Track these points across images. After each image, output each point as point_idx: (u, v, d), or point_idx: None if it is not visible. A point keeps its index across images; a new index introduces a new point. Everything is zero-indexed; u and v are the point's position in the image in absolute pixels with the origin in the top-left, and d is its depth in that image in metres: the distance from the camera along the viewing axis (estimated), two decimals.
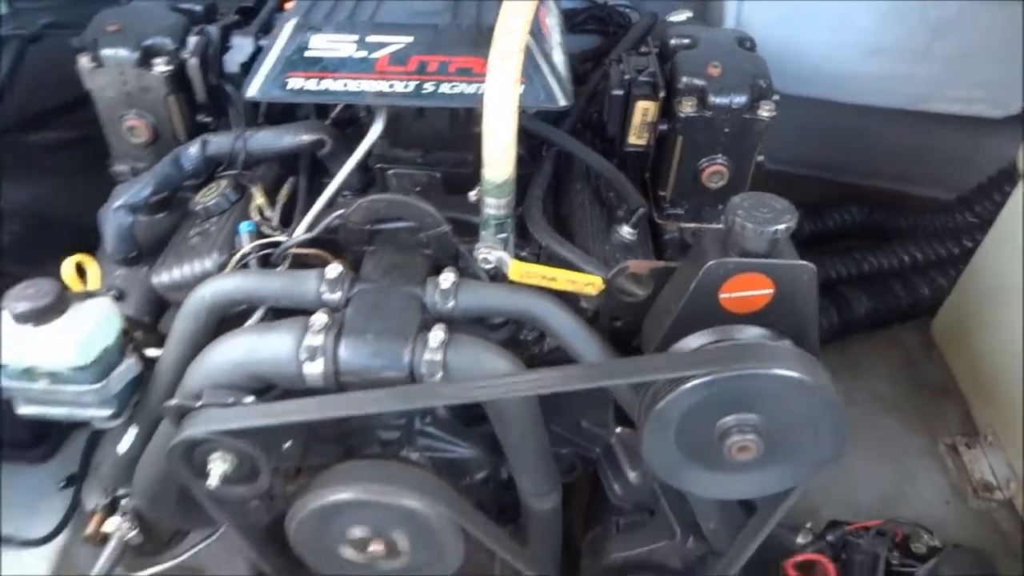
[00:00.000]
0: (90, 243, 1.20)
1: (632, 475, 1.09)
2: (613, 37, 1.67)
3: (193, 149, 1.14)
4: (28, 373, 0.94)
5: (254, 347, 0.87)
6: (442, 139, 1.13)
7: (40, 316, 0.90)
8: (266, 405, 0.86)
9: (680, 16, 1.37)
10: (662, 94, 1.12)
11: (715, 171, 1.13)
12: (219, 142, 1.15)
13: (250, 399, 0.88)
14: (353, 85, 0.93)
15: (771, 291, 0.79)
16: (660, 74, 1.14)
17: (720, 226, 1.13)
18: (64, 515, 1.38)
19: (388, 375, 0.86)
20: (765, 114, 1.08)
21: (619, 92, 1.15)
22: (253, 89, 0.95)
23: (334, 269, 0.92)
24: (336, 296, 0.91)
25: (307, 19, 0.92)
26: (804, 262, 0.78)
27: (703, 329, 0.82)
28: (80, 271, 1.05)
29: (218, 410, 0.85)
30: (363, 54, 0.92)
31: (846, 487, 1.47)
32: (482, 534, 0.95)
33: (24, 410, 0.98)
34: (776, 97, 1.09)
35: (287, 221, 1.10)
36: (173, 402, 0.88)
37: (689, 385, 0.76)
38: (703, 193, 1.16)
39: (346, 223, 0.97)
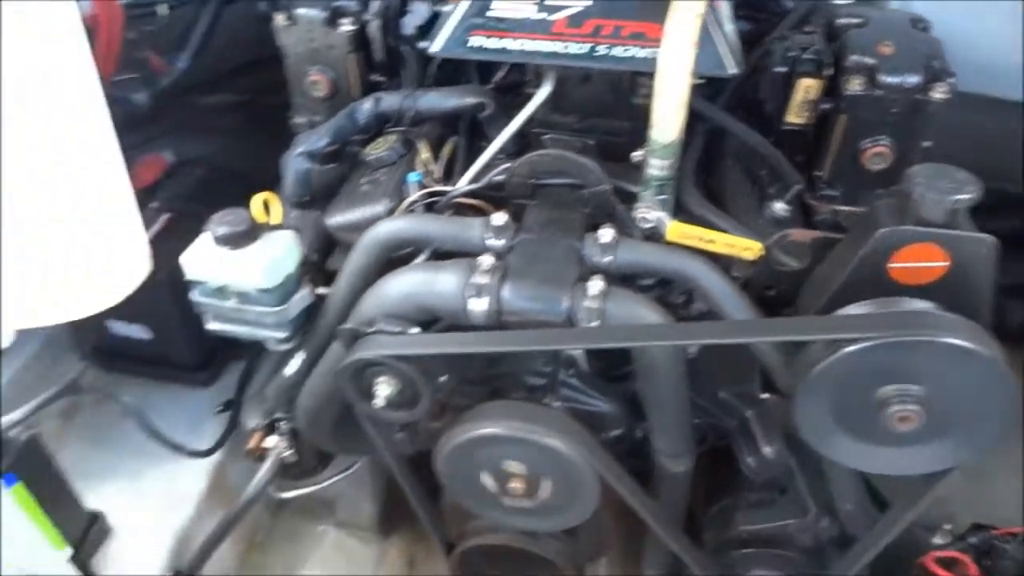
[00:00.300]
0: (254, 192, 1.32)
1: (767, 450, 1.09)
2: (765, 23, 1.65)
3: (367, 105, 1.23)
4: (221, 292, 1.05)
5: (426, 281, 0.93)
6: (602, 106, 1.16)
7: (237, 240, 1.01)
8: (434, 335, 0.92)
9: None
10: (828, 72, 1.11)
11: (878, 152, 1.11)
12: (390, 100, 1.24)
13: (416, 330, 0.95)
14: (530, 45, 0.98)
15: (945, 264, 0.78)
16: (826, 52, 1.13)
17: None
18: (222, 435, 1.52)
19: (546, 318, 0.91)
20: (939, 96, 1.05)
21: (782, 69, 1.15)
22: (437, 45, 1.01)
23: (500, 217, 0.97)
24: (500, 243, 0.97)
25: None
26: (985, 235, 0.76)
27: (867, 300, 0.82)
28: (265, 207, 1.15)
29: (389, 336, 0.93)
30: (542, 16, 0.97)
31: (985, 497, 1.39)
32: (618, 483, 0.98)
33: (212, 325, 1.10)
34: (952, 80, 1.06)
35: (448, 176, 1.18)
36: (348, 326, 0.96)
37: (852, 348, 0.76)
38: (862, 175, 1.13)
39: (512, 176, 1.03)
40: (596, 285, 0.90)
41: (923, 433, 0.79)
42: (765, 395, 0.99)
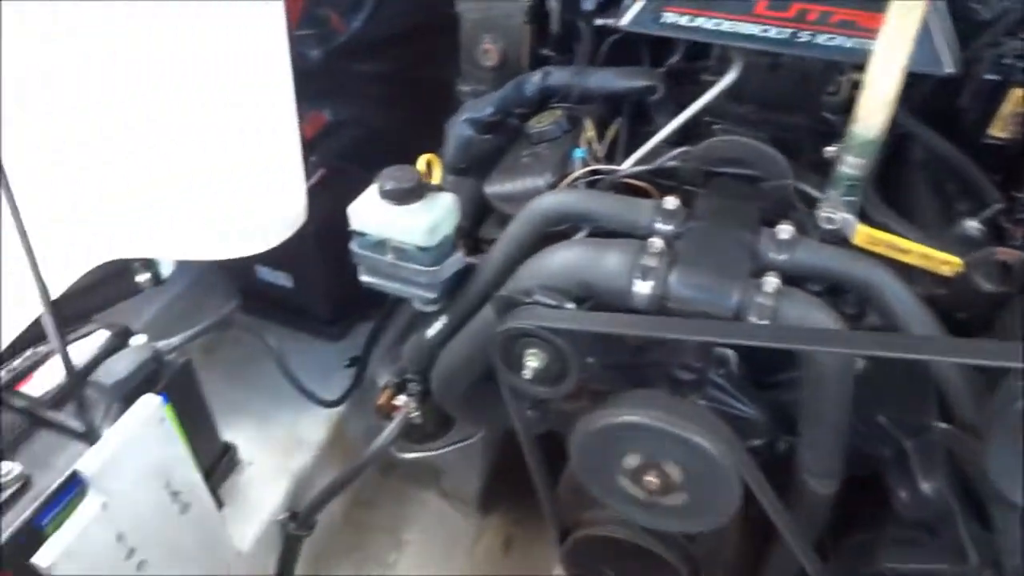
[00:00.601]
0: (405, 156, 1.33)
1: (926, 486, 1.00)
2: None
3: (535, 78, 1.22)
4: (380, 246, 1.07)
5: (591, 257, 0.91)
6: (783, 99, 1.11)
7: (402, 196, 1.02)
8: (596, 313, 0.90)
9: None
10: None
11: None
12: (559, 75, 1.22)
13: (571, 305, 0.93)
14: (727, 25, 0.94)
15: None
16: None
17: None
18: (347, 388, 1.56)
19: (713, 310, 0.86)
20: None
21: (993, 77, 1.05)
22: (627, 19, 0.99)
23: (672, 201, 0.94)
24: (669, 227, 0.93)
25: None
26: None
27: None
28: (428, 168, 1.16)
29: (547, 308, 0.91)
30: None
31: None
32: (760, 492, 0.93)
33: (365, 278, 1.12)
34: None
35: (610, 157, 1.15)
36: (505, 292, 0.95)
37: None
38: None
39: (688, 160, 0.99)
40: (771, 282, 0.85)
41: None
42: (943, 425, 0.90)
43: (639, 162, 1.07)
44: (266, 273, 1.63)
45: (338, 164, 1.60)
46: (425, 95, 1.78)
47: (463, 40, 1.29)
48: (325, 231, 1.52)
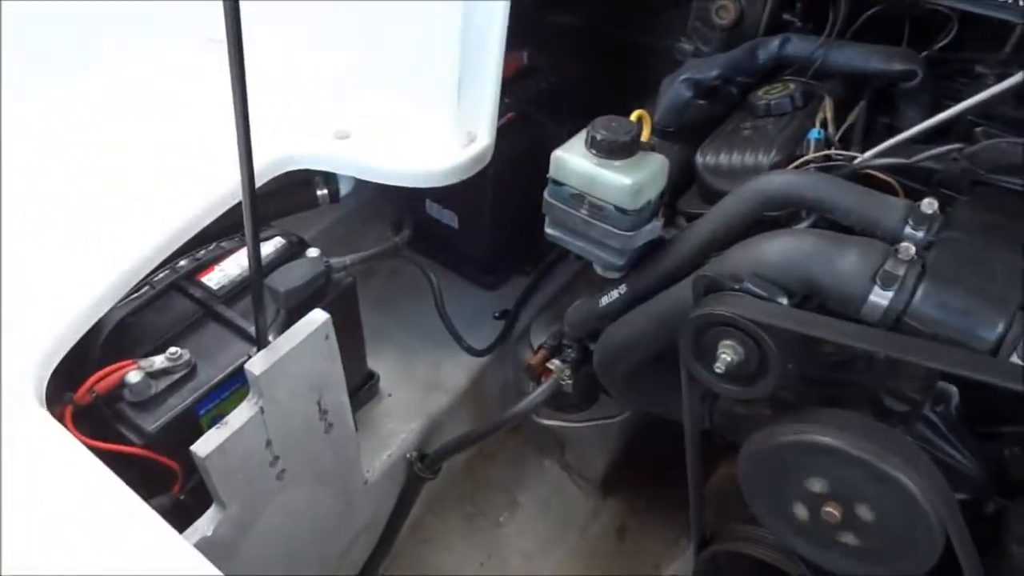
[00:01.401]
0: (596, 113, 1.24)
1: None
2: None
3: (773, 43, 1.10)
4: (576, 199, 0.99)
5: (826, 251, 0.79)
6: None
7: (614, 151, 0.94)
8: (811, 315, 0.79)
9: None
10: None
11: None
12: (801, 45, 1.09)
13: (784, 301, 0.82)
14: None
15: None
16: None
17: None
18: (495, 339, 1.52)
19: (965, 340, 0.73)
20: None
21: None
22: None
23: (931, 204, 0.80)
24: (920, 233, 0.80)
25: None
26: None
27: None
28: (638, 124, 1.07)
29: (756, 299, 0.81)
30: None
31: None
32: (962, 548, 0.79)
33: (551, 230, 1.05)
34: None
35: (845, 145, 1.01)
36: (710, 272, 0.85)
37: None
38: None
39: (956, 160, 0.84)
40: None
41: None
42: None
43: (885, 154, 0.93)
44: (435, 210, 1.60)
45: (528, 110, 1.54)
46: (631, 56, 1.69)
47: None
48: (500, 176, 1.47)
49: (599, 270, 1.06)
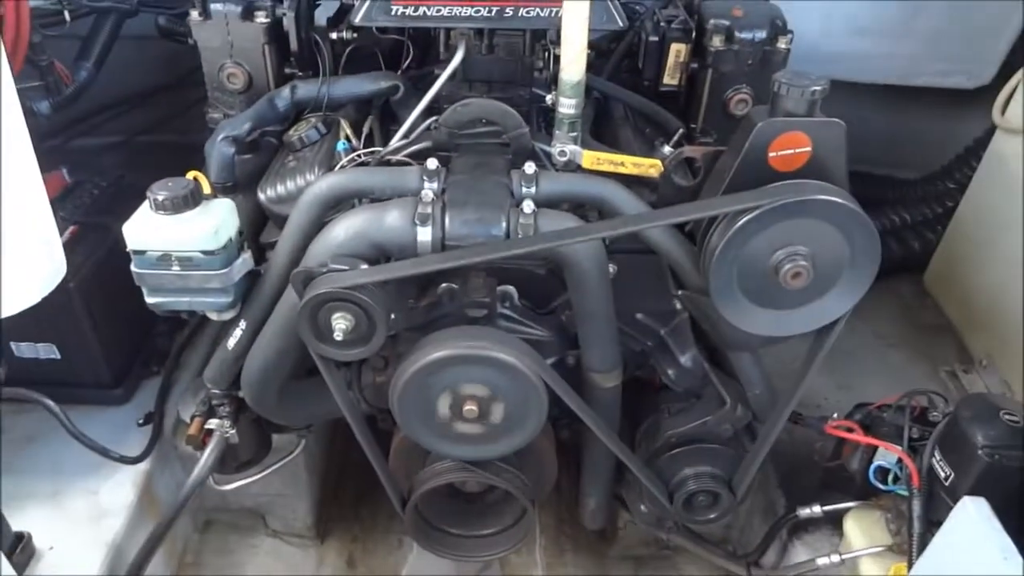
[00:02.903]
0: None
1: (684, 359, 1.23)
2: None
3: (285, 92, 1.31)
4: (163, 260, 1.07)
5: (375, 218, 1.01)
6: (504, 75, 1.30)
7: (179, 205, 1.05)
8: (380, 265, 1.00)
9: None
10: (693, 35, 1.31)
11: (741, 99, 1.32)
12: (307, 87, 1.32)
13: (363, 266, 1.02)
14: (446, 11, 1.11)
15: (808, 148, 0.96)
16: (689, 21, 1.34)
17: None
18: (149, 442, 1.48)
19: (488, 239, 1.01)
20: (783, 46, 1.28)
21: (655, 38, 1.34)
22: (359, 16, 1.12)
23: (433, 162, 1.07)
24: (435, 185, 1.06)
25: None
26: (835, 120, 0.95)
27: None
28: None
29: (342, 272, 0.99)
30: None
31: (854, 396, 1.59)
32: (564, 394, 1.08)
33: (152, 299, 1.11)
34: (791, 34, 1.29)
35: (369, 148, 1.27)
36: (300, 269, 1.01)
37: (744, 220, 0.91)
38: (730, 120, 1.34)
39: (439, 127, 1.13)
40: (528, 205, 1.01)
41: (814, 288, 0.95)
42: (679, 292, 1.12)
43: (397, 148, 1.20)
44: (26, 349, 1.49)
45: (87, 219, 1.54)
46: (174, 155, 1.78)
47: (206, 67, 1.34)
48: (85, 288, 1.45)
49: (215, 316, 1.15)
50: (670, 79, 1.37)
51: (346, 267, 1.00)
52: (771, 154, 0.96)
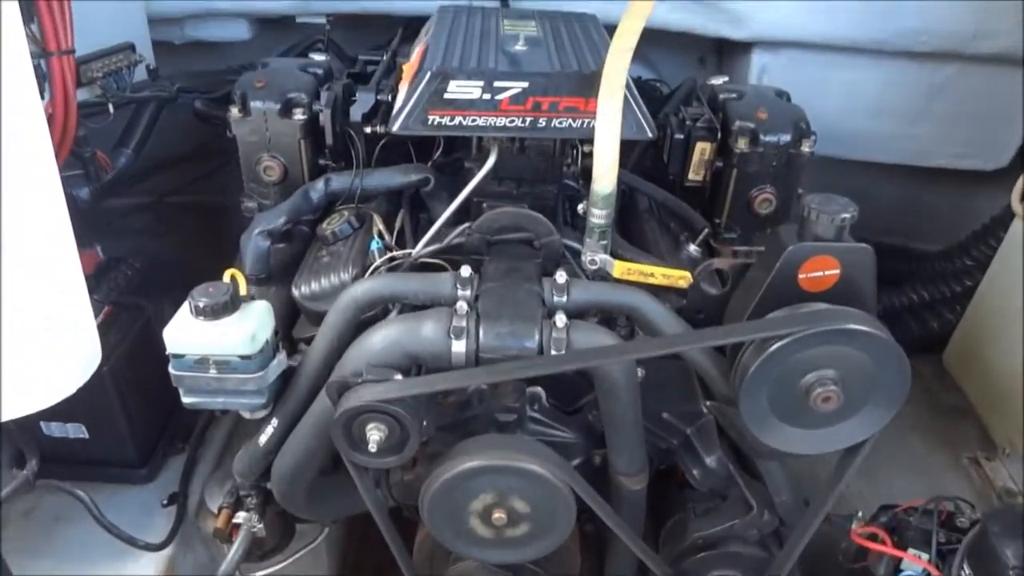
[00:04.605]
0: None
1: (710, 460, 1.24)
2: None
3: (319, 184, 1.35)
4: (200, 363, 1.10)
5: (410, 330, 1.03)
6: (534, 174, 1.33)
7: (218, 311, 1.07)
8: (418, 377, 1.01)
9: (719, 80, 1.61)
10: (718, 135, 1.34)
11: (765, 198, 1.34)
12: (340, 180, 1.36)
13: (398, 376, 1.03)
14: (481, 121, 1.14)
15: (837, 271, 0.98)
16: (714, 120, 1.37)
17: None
18: (172, 526, 1.49)
19: (520, 352, 1.02)
20: (807, 149, 1.31)
21: (681, 136, 1.37)
22: (397, 124, 1.15)
23: (466, 270, 1.10)
24: (468, 292, 1.08)
25: (443, 67, 1.13)
26: (864, 245, 0.97)
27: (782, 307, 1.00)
28: (233, 282, 1.21)
29: (377, 384, 1.01)
30: (488, 96, 1.13)
31: (883, 499, 1.59)
32: (592, 500, 1.08)
33: (188, 399, 1.13)
34: (814, 136, 1.32)
35: (401, 245, 1.29)
36: (335, 378, 1.03)
37: (777, 346, 0.92)
38: (754, 218, 1.36)
39: (472, 234, 1.16)
40: (560, 319, 1.03)
41: (843, 410, 0.96)
42: (707, 402, 1.13)
43: (428, 243, 1.23)
44: (55, 428, 1.51)
45: (122, 299, 1.57)
46: (204, 217, 1.82)
47: (243, 160, 1.37)
48: (117, 370, 1.48)
49: (248, 415, 1.17)
50: (695, 175, 1.40)
51: (381, 377, 1.02)
52: (801, 276, 0.98)
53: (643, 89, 1.99)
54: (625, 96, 1.11)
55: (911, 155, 2.00)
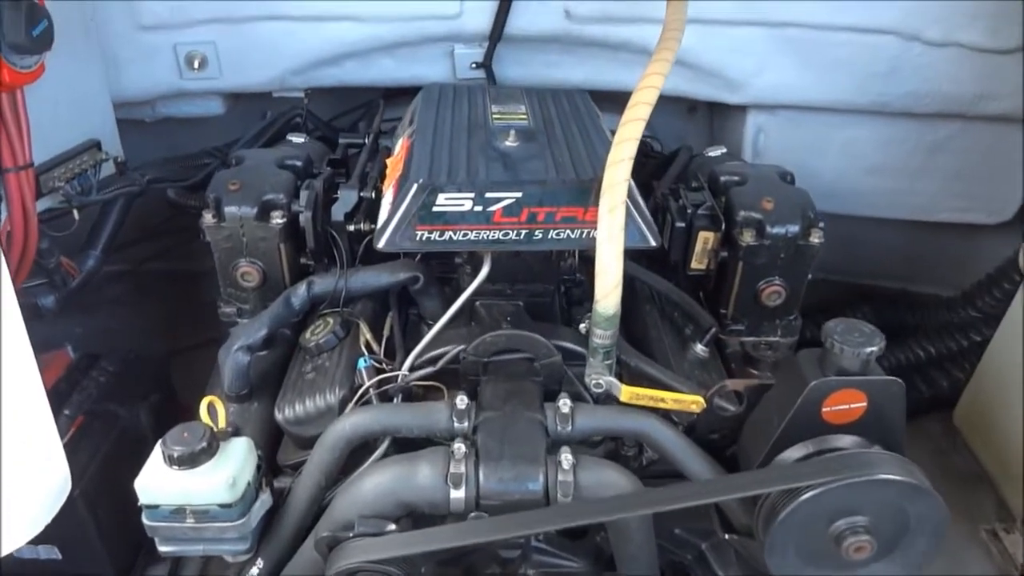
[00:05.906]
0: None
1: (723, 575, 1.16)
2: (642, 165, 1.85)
3: (301, 289, 1.26)
4: (177, 513, 1.01)
5: (403, 476, 0.95)
6: (529, 273, 1.25)
7: (195, 459, 0.99)
8: (418, 532, 0.93)
9: (716, 151, 1.55)
10: (723, 226, 1.27)
11: (773, 291, 1.27)
12: (323, 282, 1.27)
13: (392, 527, 0.95)
14: (473, 235, 1.06)
15: (863, 404, 0.91)
16: (717, 207, 1.30)
17: (777, 339, 1.27)
18: None
19: (524, 497, 0.94)
20: (816, 240, 1.24)
21: (682, 224, 1.30)
22: (383, 241, 1.07)
23: (462, 401, 1.02)
24: (465, 425, 1.01)
25: (430, 180, 1.06)
26: (893, 378, 0.90)
27: (805, 440, 0.93)
28: (210, 410, 1.13)
29: (370, 540, 0.93)
30: (480, 208, 1.05)
31: None
32: None
33: (164, 548, 1.04)
34: (822, 225, 1.25)
35: (391, 354, 1.21)
36: (325, 534, 0.95)
37: (809, 495, 0.85)
38: (762, 310, 1.29)
39: (467, 357, 1.08)
40: (567, 459, 0.95)
41: (875, 556, 0.89)
42: (727, 535, 1.06)
43: (420, 355, 1.14)
44: (25, 550, 1.41)
45: (96, 407, 1.48)
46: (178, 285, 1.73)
47: (219, 266, 1.29)
48: (91, 489, 1.38)
49: (230, 559, 1.08)
50: (698, 264, 1.33)
51: (373, 530, 0.94)
52: (825, 409, 0.91)
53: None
54: (627, 205, 1.04)
55: (913, 210, 1.94)
